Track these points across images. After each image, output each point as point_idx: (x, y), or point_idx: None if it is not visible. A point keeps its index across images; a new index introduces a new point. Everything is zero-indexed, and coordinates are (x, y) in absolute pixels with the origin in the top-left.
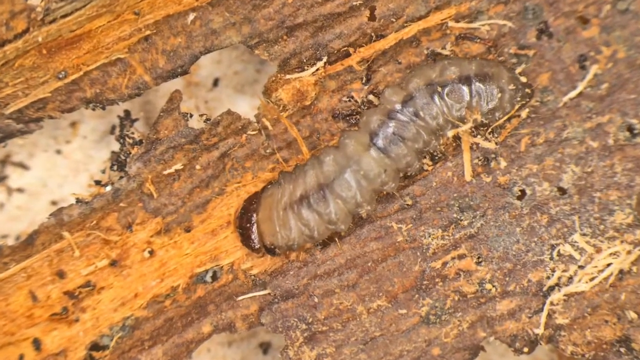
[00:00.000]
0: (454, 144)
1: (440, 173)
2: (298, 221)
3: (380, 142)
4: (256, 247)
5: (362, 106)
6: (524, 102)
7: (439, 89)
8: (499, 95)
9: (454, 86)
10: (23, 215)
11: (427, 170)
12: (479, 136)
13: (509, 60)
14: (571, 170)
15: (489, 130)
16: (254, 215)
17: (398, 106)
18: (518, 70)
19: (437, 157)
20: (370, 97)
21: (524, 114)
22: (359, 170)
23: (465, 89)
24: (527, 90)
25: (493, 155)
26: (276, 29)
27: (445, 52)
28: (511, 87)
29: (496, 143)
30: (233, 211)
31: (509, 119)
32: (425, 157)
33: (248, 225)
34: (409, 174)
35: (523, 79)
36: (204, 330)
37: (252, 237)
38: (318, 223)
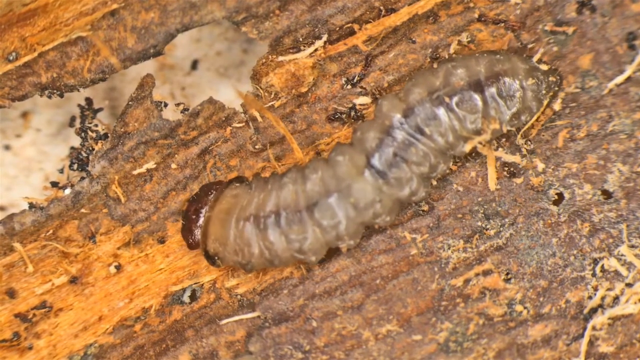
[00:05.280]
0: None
1: (462, 173)
2: (260, 240)
3: (377, 164)
4: (193, 244)
5: (351, 111)
6: (552, 93)
7: (447, 99)
8: (519, 94)
9: (464, 94)
10: None
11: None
12: (500, 149)
13: (543, 39)
14: (618, 169)
15: (519, 137)
16: (205, 208)
17: (397, 121)
18: (536, 57)
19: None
20: (361, 100)
21: (557, 105)
22: (348, 197)
23: (477, 96)
24: (552, 77)
25: (525, 153)
26: (267, 2)
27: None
28: (530, 82)
29: (525, 155)
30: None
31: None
32: (431, 185)
33: (194, 216)
34: (412, 203)
35: (543, 67)
36: None
37: (194, 231)
38: (283, 249)
